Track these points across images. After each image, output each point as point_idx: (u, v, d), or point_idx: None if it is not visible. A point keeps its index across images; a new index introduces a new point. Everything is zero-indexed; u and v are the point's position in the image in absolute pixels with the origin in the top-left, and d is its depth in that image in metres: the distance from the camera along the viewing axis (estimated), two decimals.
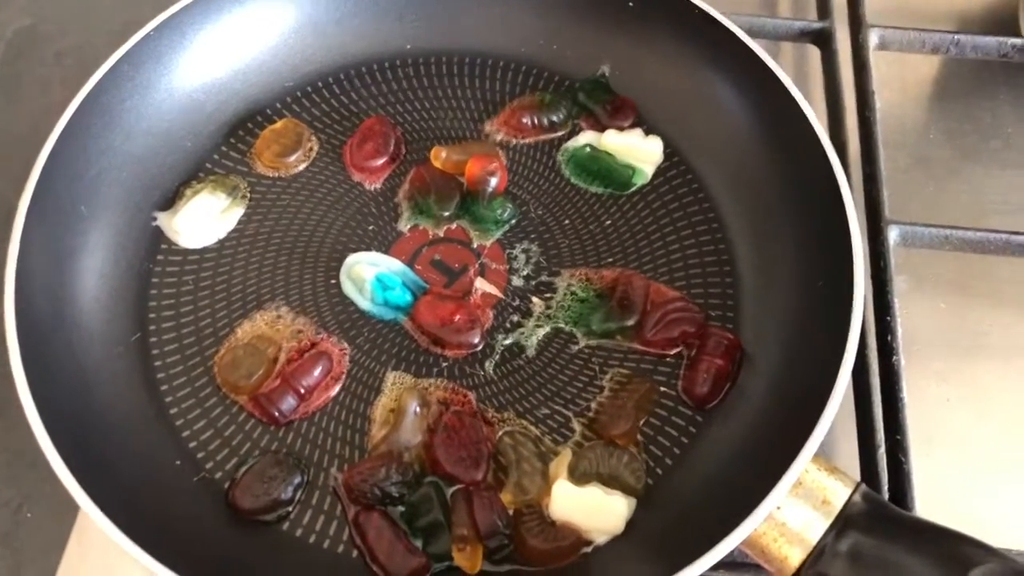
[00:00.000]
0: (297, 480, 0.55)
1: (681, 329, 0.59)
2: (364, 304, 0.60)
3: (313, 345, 0.59)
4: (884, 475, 0.58)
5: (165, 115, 0.65)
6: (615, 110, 0.68)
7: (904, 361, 0.61)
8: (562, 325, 0.61)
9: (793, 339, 0.58)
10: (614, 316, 0.60)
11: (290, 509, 0.54)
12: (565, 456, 0.56)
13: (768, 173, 0.64)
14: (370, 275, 0.59)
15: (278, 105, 0.69)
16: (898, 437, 0.58)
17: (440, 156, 0.66)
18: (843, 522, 0.49)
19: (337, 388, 0.58)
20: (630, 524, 0.54)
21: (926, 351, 0.69)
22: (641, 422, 0.57)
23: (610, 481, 0.55)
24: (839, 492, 0.50)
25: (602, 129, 0.68)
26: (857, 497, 0.50)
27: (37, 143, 0.59)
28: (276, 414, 0.56)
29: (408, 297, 0.60)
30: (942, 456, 0.64)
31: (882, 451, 0.58)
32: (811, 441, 0.50)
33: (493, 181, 0.64)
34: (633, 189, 0.66)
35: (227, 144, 0.67)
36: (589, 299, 0.62)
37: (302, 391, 0.57)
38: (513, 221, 0.65)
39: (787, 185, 0.62)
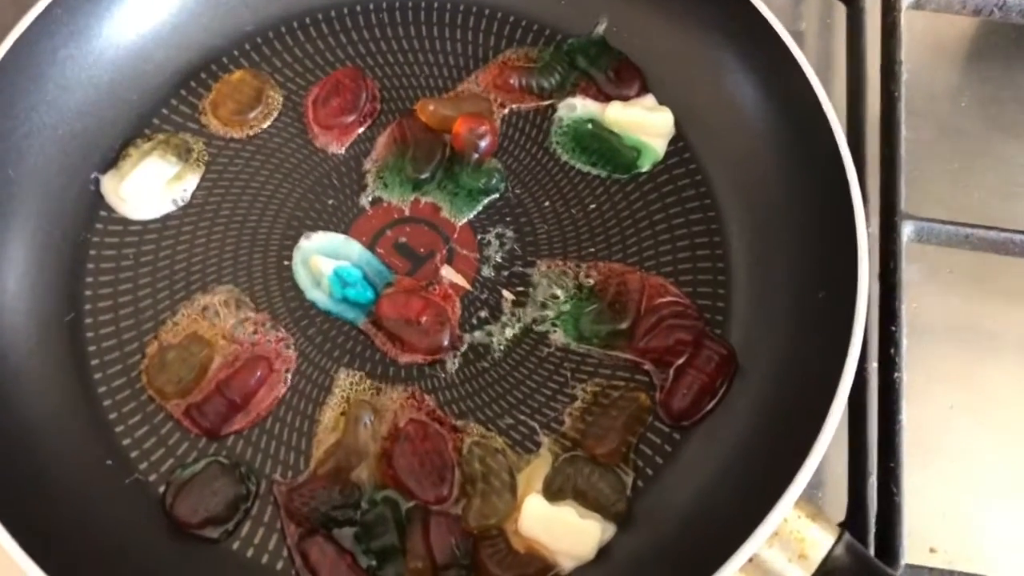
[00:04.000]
0: (243, 492, 0.51)
1: (677, 337, 0.54)
2: (321, 300, 0.55)
3: (251, 347, 0.54)
4: (872, 506, 0.53)
5: (106, 65, 0.59)
6: (619, 77, 0.61)
7: (907, 377, 0.56)
8: (539, 324, 0.55)
9: (786, 353, 0.53)
10: (605, 318, 0.55)
11: (231, 527, 0.50)
12: (539, 467, 0.52)
13: (774, 162, 0.57)
14: (328, 269, 0.54)
15: (235, 53, 0.62)
16: (891, 465, 0.54)
17: (427, 109, 0.60)
18: None
19: (281, 393, 0.53)
20: (601, 551, 0.50)
21: (931, 349, 0.63)
22: (633, 441, 0.52)
23: (587, 500, 0.51)
24: (819, 544, 0.46)
25: (604, 98, 0.61)
26: (839, 550, 0.46)
27: None
28: (208, 427, 0.52)
29: (370, 294, 0.54)
30: (939, 470, 0.60)
31: (873, 479, 0.54)
32: (794, 486, 0.46)
33: (482, 145, 0.58)
34: (643, 170, 0.60)
35: (177, 97, 0.61)
36: (571, 296, 0.56)
37: (237, 401, 0.52)
38: (496, 194, 0.59)
39: (794, 180, 0.56)
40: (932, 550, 0.58)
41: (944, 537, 0.58)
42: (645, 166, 0.59)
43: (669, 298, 0.55)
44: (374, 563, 0.49)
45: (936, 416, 0.62)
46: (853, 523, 0.53)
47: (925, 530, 0.57)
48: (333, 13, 0.64)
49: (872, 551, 0.51)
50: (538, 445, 0.53)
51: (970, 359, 0.64)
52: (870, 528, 0.53)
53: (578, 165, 0.60)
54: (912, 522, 0.53)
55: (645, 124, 0.59)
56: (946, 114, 0.72)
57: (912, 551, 0.53)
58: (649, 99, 0.61)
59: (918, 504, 0.54)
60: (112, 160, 0.58)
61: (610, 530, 0.50)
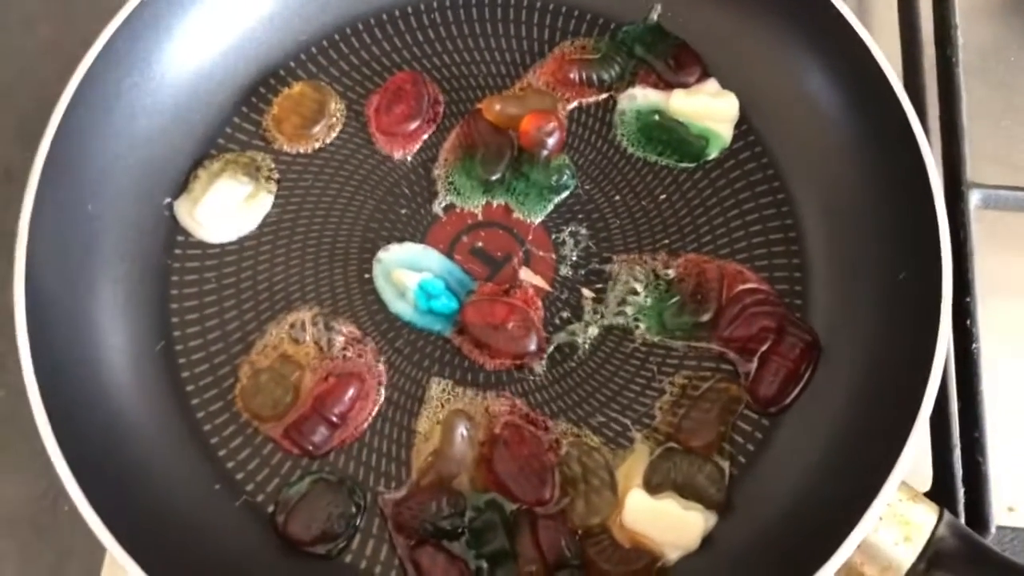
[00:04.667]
0: (352, 510, 0.52)
1: (761, 325, 0.55)
2: (406, 312, 0.56)
3: (343, 363, 0.55)
4: (959, 476, 0.54)
5: (169, 90, 0.59)
6: (679, 63, 0.61)
7: (983, 347, 0.57)
8: (621, 321, 0.56)
9: (871, 337, 0.54)
10: (688, 311, 0.55)
11: (342, 543, 0.51)
12: (636, 461, 0.53)
13: (841, 140, 0.58)
14: (413, 283, 0.54)
15: (292, 65, 0.62)
16: (975, 435, 0.55)
17: (493, 108, 0.59)
18: (927, 563, 0.47)
19: (376, 407, 0.54)
20: (705, 540, 0.51)
21: (997, 309, 0.64)
22: (727, 431, 0.53)
23: (687, 492, 0.52)
24: (923, 526, 0.47)
25: (664, 86, 0.61)
26: (942, 530, 0.47)
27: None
28: (310, 448, 0.53)
29: (454, 304, 0.55)
30: (1011, 428, 0.60)
31: (958, 452, 0.55)
32: (898, 469, 0.47)
33: (550, 142, 0.58)
34: (711, 157, 0.60)
35: (240, 115, 0.61)
36: (651, 290, 0.56)
37: (334, 419, 0.53)
38: (568, 191, 0.59)
39: (864, 157, 0.57)
40: (1011, 509, 0.59)
41: (1022, 495, 0.59)
42: (713, 153, 0.59)
43: (749, 285, 0.56)
44: (485, 567, 0.51)
45: (1005, 374, 0.62)
46: (940, 494, 0.54)
47: (1003, 489, 0.58)
48: (385, 16, 0.63)
49: (962, 521, 0.53)
50: (631, 441, 0.54)
51: None
52: (959, 499, 0.54)
53: (643, 155, 0.60)
54: (994, 508, 0.54)
55: (711, 111, 0.59)
56: (995, 69, 0.72)
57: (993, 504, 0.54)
58: (711, 84, 0.61)
59: (993, 463, 0.55)
60: (183, 184, 0.59)
61: (712, 519, 0.52)
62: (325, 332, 0.56)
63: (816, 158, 0.58)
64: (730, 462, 0.53)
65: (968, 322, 0.57)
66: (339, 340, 0.55)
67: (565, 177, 0.59)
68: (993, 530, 0.53)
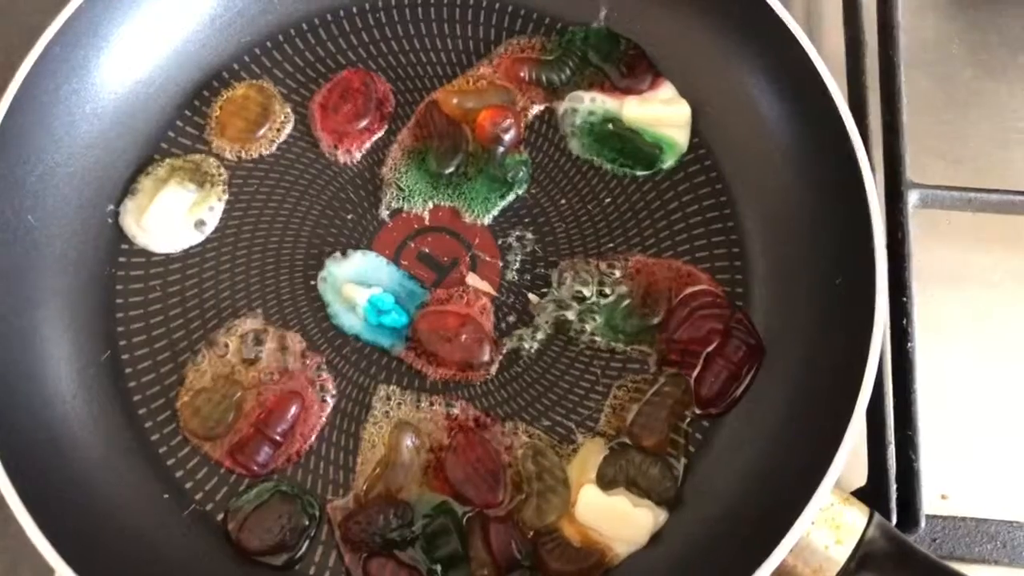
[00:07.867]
0: (306, 521, 0.52)
1: (709, 327, 0.56)
2: (355, 326, 0.56)
3: (288, 374, 0.55)
4: (892, 474, 0.56)
5: (108, 95, 0.58)
6: (630, 69, 0.61)
7: (918, 346, 0.58)
8: (566, 324, 0.56)
9: (810, 340, 0.55)
10: (637, 314, 0.56)
11: (295, 555, 0.52)
12: (589, 455, 0.54)
13: (782, 144, 0.58)
14: (362, 299, 0.55)
15: (236, 67, 0.61)
16: (909, 432, 0.56)
17: (451, 100, 0.59)
18: (857, 563, 0.48)
19: (321, 419, 0.55)
20: (652, 536, 0.53)
21: (935, 297, 0.65)
22: (676, 431, 0.54)
23: (639, 488, 0.53)
24: (853, 529, 0.49)
25: (615, 91, 0.61)
26: (872, 531, 0.49)
27: None
28: (255, 468, 0.53)
29: (404, 318, 0.55)
30: (944, 416, 0.62)
31: (892, 449, 0.57)
32: (832, 471, 0.48)
33: (506, 138, 0.58)
34: (667, 165, 0.60)
35: (182, 118, 0.60)
36: (598, 294, 0.57)
37: (277, 438, 0.53)
38: (522, 188, 0.59)
39: (803, 162, 0.57)
40: (943, 496, 0.61)
41: (954, 483, 0.61)
42: (669, 160, 0.60)
43: (698, 287, 0.57)
44: (439, 571, 0.51)
45: (940, 363, 0.64)
46: (874, 490, 0.56)
47: (935, 477, 0.59)
48: (329, 16, 0.63)
49: (894, 518, 0.55)
50: (579, 443, 0.55)
51: (974, 305, 0.66)
52: (891, 496, 0.56)
53: (596, 161, 0.60)
54: (926, 503, 0.55)
55: (664, 117, 0.60)
56: (938, 62, 0.73)
57: (924, 500, 0.56)
58: (665, 90, 0.61)
59: (926, 451, 0.57)
60: (126, 190, 0.58)
61: (662, 516, 0.53)
62: (270, 341, 0.56)
63: (759, 163, 0.59)
64: (680, 460, 0.54)
65: (904, 322, 0.58)
66: (286, 349, 0.56)
67: (522, 173, 0.59)
68: (923, 525, 0.55)
